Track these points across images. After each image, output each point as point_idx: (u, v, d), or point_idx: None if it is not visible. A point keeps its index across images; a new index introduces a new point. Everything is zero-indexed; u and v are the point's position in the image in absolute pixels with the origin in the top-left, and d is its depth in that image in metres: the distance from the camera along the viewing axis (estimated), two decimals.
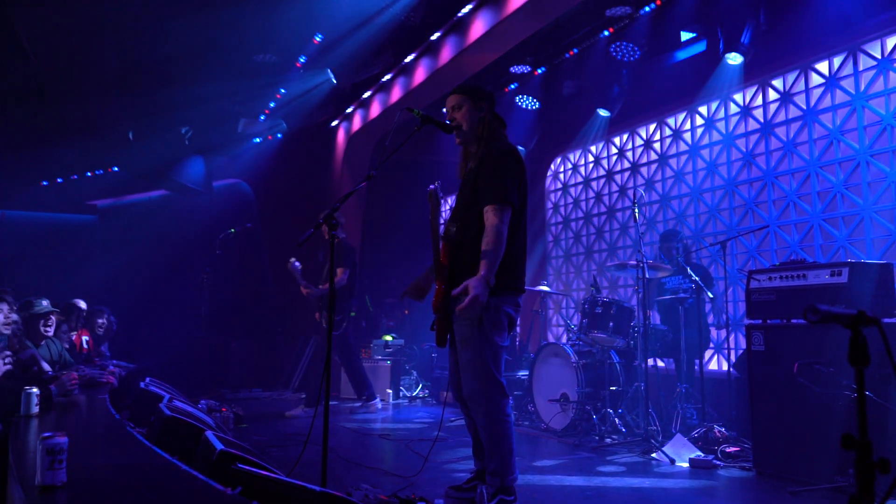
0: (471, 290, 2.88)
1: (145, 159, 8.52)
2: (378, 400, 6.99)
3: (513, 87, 7.71)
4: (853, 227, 5.32)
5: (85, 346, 6.28)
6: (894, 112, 5.09)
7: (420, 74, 7.24)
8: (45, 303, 4.56)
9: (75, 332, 6.14)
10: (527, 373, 6.26)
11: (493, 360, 3.10)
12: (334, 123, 9.43)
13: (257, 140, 9.30)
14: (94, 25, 5.50)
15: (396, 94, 7.87)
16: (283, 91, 7.71)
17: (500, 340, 3.13)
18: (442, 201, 3.43)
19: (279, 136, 9.20)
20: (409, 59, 7.25)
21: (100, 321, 6.79)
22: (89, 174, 9.62)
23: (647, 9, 5.96)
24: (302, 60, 6.92)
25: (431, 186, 3.23)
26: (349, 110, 8.93)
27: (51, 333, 4.77)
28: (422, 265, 3.50)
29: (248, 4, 5.60)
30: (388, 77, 7.77)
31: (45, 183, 9.75)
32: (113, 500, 1.90)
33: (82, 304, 6.30)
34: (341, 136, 9.40)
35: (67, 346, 5.52)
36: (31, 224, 10.13)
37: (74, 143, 8.05)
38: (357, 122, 8.90)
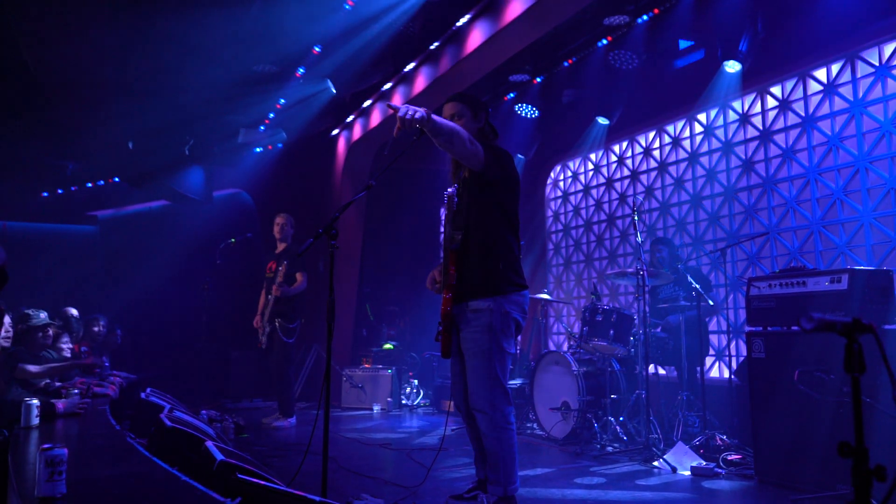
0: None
1: (145, 169, 8.55)
2: (293, 420, 6.44)
3: (512, 95, 7.73)
4: (852, 233, 5.33)
5: (84, 356, 6.25)
6: (892, 118, 5.10)
7: (420, 84, 7.26)
8: (42, 315, 4.58)
9: (75, 343, 6.12)
10: (527, 381, 6.25)
11: (501, 367, 3.13)
12: (334, 133, 9.45)
13: (258, 150, 9.32)
14: (94, 35, 5.54)
15: (396, 103, 7.89)
16: (282, 101, 7.74)
17: (507, 347, 3.16)
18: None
19: (279, 145, 9.22)
20: (408, 68, 7.27)
21: (95, 329, 6.77)
22: (90, 185, 9.66)
23: (645, 17, 5.99)
24: (301, 70, 6.95)
25: (450, 190, 3.29)
26: (349, 120, 8.95)
27: (49, 345, 4.78)
28: (422, 274, 3.50)
29: (247, 14, 5.63)
30: (387, 86, 7.80)
31: (45, 194, 9.79)
32: None
33: (74, 312, 6.26)
34: (341, 145, 9.42)
35: (69, 356, 5.51)
36: (32, 235, 10.15)
37: (74, 153, 8.08)
38: (357, 132, 8.92)
